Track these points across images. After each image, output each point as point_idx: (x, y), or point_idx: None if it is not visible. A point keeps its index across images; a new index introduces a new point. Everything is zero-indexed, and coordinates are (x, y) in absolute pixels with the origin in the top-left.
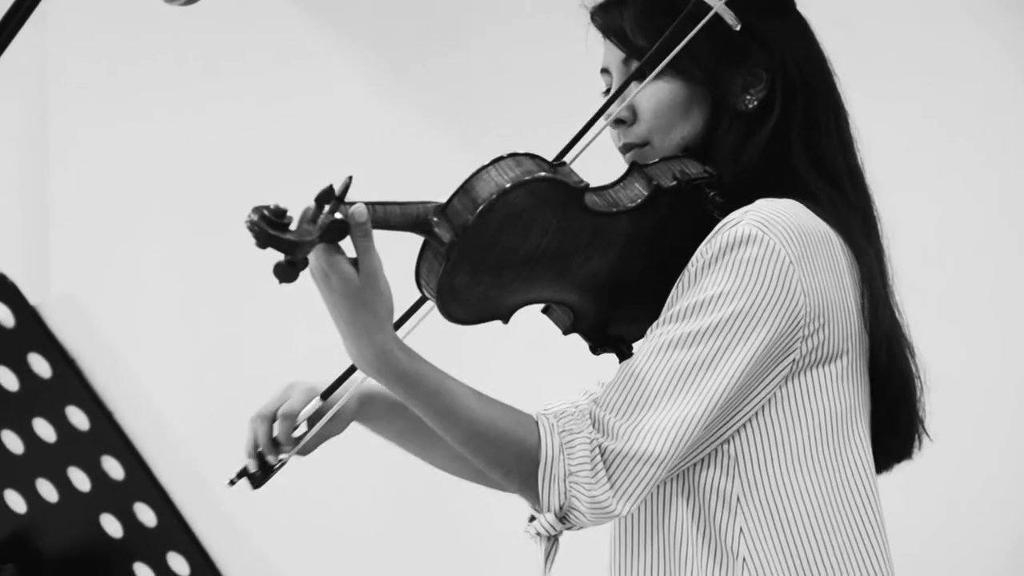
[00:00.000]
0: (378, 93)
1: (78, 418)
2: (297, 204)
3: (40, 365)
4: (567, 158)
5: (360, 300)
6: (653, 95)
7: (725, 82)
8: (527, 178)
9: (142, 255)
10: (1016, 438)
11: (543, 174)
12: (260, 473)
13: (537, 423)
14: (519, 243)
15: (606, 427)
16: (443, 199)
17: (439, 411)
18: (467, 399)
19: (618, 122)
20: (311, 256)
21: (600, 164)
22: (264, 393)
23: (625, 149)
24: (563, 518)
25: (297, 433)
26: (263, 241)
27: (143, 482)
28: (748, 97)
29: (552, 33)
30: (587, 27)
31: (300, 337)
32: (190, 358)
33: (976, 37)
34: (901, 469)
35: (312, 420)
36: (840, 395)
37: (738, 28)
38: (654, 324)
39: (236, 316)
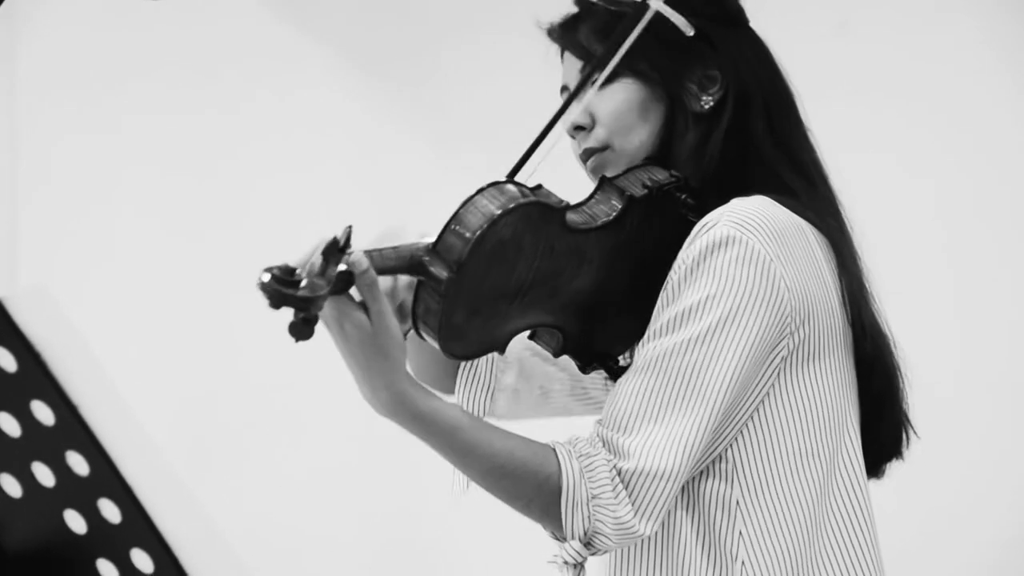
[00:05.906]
0: (352, 97)
1: (43, 413)
2: (278, 204)
3: (5, 359)
4: (527, 169)
5: (374, 345)
6: (610, 98)
7: (680, 82)
8: (513, 204)
9: (112, 247)
10: (1013, 441)
11: (528, 199)
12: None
13: (554, 450)
14: (511, 270)
15: (616, 447)
16: (419, 212)
17: (458, 448)
18: (484, 433)
19: (578, 128)
20: (324, 305)
21: (550, 173)
22: (236, 390)
23: (586, 155)
24: (587, 543)
25: None
26: (277, 301)
27: (108, 478)
28: (704, 98)
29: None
30: (548, 46)
31: (272, 332)
32: (158, 353)
33: (973, 37)
34: (892, 472)
35: None
36: (832, 394)
37: (691, 34)
38: (644, 338)
39: (206, 312)
